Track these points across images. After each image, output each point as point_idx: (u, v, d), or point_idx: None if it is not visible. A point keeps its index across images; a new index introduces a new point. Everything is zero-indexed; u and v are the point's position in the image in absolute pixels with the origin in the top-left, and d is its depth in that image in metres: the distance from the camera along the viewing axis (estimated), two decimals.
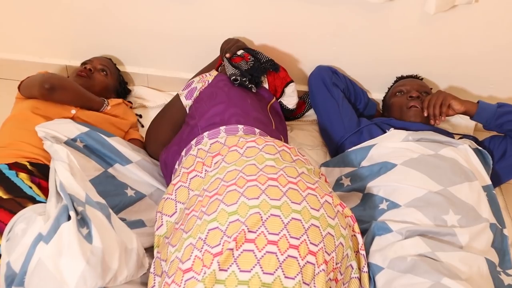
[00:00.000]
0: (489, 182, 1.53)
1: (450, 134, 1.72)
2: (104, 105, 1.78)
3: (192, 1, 1.86)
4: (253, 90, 1.74)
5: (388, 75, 1.98)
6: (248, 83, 1.72)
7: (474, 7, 1.72)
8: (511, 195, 1.84)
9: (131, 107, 2.00)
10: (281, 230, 1.10)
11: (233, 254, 1.07)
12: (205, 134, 1.47)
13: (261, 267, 1.05)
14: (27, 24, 2.05)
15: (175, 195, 1.34)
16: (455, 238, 1.33)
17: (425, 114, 1.69)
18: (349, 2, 1.77)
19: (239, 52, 1.82)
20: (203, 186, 1.27)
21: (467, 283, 1.19)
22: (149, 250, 1.40)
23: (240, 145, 1.35)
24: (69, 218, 1.20)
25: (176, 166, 1.49)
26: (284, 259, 1.07)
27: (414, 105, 1.74)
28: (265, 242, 1.08)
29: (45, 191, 1.38)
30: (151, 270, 1.25)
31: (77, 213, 1.22)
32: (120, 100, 1.88)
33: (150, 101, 2.10)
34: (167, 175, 1.58)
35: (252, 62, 1.79)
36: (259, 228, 1.10)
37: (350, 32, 1.88)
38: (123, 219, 1.44)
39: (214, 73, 1.83)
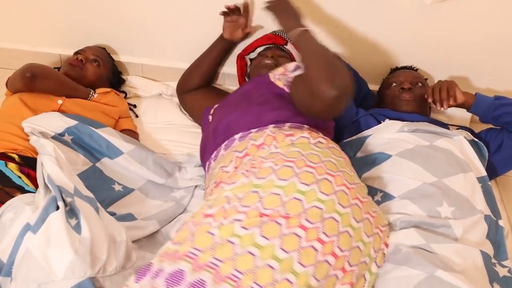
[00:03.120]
0: (484, 173, 1.52)
1: (445, 126, 1.71)
2: (90, 95, 1.76)
3: None
4: None
5: (385, 65, 1.96)
6: None
7: None
8: (506, 188, 1.83)
9: (125, 97, 1.99)
10: (317, 222, 1.09)
11: (262, 219, 1.07)
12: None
13: (281, 242, 1.05)
14: (19, 12, 2.02)
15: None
16: (449, 230, 1.32)
17: (430, 100, 1.65)
18: None
19: None
20: (261, 155, 1.28)
21: (461, 275, 1.18)
22: (139, 242, 1.41)
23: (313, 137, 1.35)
24: (57, 208, 1.19)
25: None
26: (306, 247, 1.06)
27: (406, 96, 1.74)
28: (297, 224, 1.08)
29: (34, 181, 1.37)
30: None
31: (65, 204, 1.22)
32: (109, 89, 1.86)
33: (145, 90, 2.09)
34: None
35: None
36: (297, 213, 1.10)
37: (346, 21, 1.86)
38: (113, 213, 1.43)
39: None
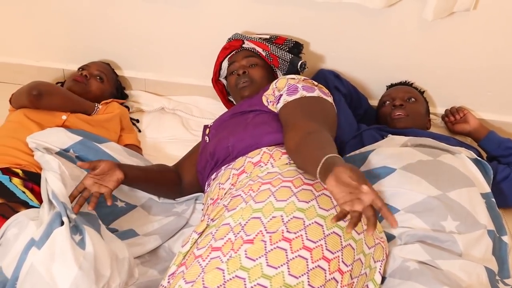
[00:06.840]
0: (488, 190, 1.51)
1: (448, 138, 1.71)
2: (96, 108, 1.77)
3: (190, 6, 1.86)
4: None
5: (386, 81, 1.97)
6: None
7: (472, 14, 1.72)
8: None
9: (128, 111, 1.99)
10: (319, 240, 1.09)
11: (265, 246, 1.07)
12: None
13: (288, 268, 1.04)
14: (23, 27, 2.04)
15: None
16: (455, 245, 1.31)
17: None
18: (348, 8, 1.76)
19: None
20: (259, 174, 1.27)
21: None
22: (141, 258, 1.41)
23: None
24: (62, 224, 1.19)
25: None
26: (313, 268, 1.06)
27: (398, 113, 1.78)
28: (300, 246, 1.07)
29: (38, 196, 1.37)
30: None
31: (70, 220, 1.21)
32: (109, 100, 1.88)
33: (148, 105, 2.10)
34: None
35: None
36: (299, 231, 1.09)
37: (348, 38, 1.88)
38: (115, 230, 1.43)
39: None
